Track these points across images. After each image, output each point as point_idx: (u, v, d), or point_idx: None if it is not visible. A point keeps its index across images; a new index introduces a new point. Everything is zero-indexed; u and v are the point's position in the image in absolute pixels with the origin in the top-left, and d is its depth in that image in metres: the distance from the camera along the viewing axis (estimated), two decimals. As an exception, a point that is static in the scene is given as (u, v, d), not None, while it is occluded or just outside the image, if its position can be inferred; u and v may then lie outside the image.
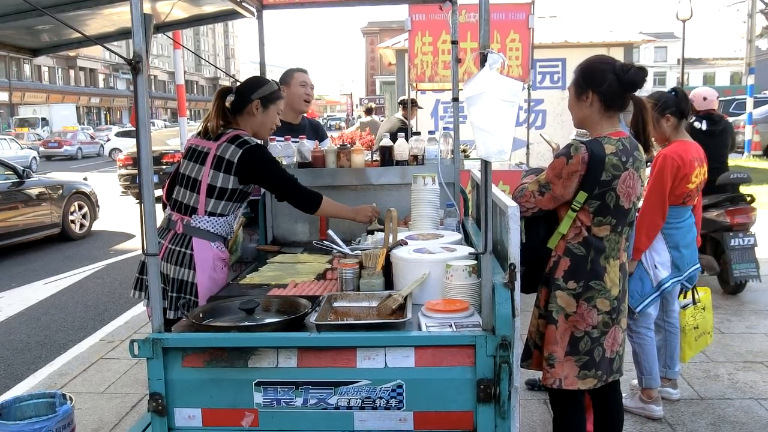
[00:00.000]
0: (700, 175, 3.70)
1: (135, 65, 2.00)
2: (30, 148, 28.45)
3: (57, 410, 3.05)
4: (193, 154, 3.11)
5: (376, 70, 63.61)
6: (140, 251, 2.23)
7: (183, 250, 3.02)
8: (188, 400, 2.16)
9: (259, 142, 3.12)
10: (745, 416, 3.85)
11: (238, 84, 3.27)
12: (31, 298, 7.25)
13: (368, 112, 13.27)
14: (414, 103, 9.25)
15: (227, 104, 3.17)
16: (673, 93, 3.77)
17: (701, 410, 3.93)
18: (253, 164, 3.01)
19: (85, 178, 12.05)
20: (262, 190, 3.86)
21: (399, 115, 9.20)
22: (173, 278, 3.03)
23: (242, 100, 3.16)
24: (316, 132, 4.55)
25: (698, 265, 3.87)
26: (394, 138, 3.88)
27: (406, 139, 3.91)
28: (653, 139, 3.77)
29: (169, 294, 3.04)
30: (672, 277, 3.74)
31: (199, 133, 3.18)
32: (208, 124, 3.13)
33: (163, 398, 2.14)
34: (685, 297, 4.03)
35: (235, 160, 2.98)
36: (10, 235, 9.43)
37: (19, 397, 3.25)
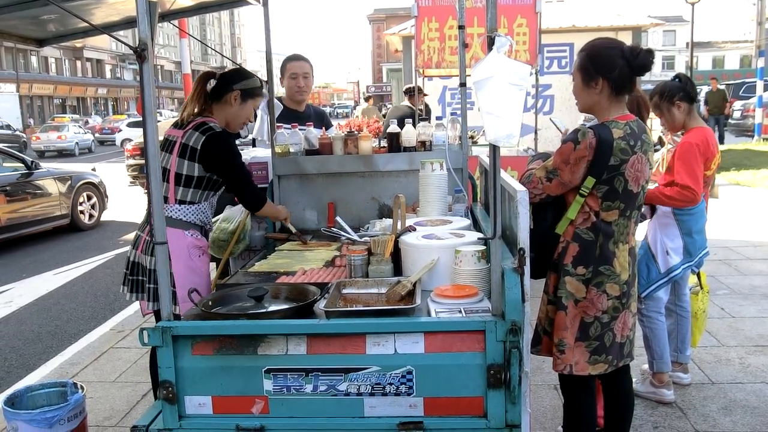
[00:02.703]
0: (716, 160, 3.68)
1: (140, 53, 1.99)
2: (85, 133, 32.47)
3: (69, 399, 3.07)
4: (165, 143, 3.13)
5: (382, 58, 63.42)
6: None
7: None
8: (198, 388, 2.17)
9: (223, 129, 3.11)
10: (756, 400, 3.84)
11: (223, 71, 3.29)
12: (41, 288, 7.29)
13: (367, 99, 14.03)
14: (420, 90, 9.22)
15: (208, 89, 3.18)
16: (677, 80, 3.72)
17: (712, 394, 3.92)
18: (214, 151, 3.02)
19: (94, 169, 12.08)
20: (270, 177, 3.87)
21: (406, 103, 9.20)
22: (150, 269, 3.06)
23: (223, 87, 3.17)
24: (321, 120, 4.56)
25: (707, 250, 3.85)
26: (402, 125, 3.86)
27: (414, 126, 3.90)
28: (666, 127, 3.77)
29: (147, 285, 3.08)
30: (684, 263, 3.73)
31: (174, 124, 3.20)
32: (184, 112, 3.16)
33: (173, 386, 2.15)
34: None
35: (199, 147, 3.00)
36: (20, 227, 9.49)
37: (31, 387, 3.27)
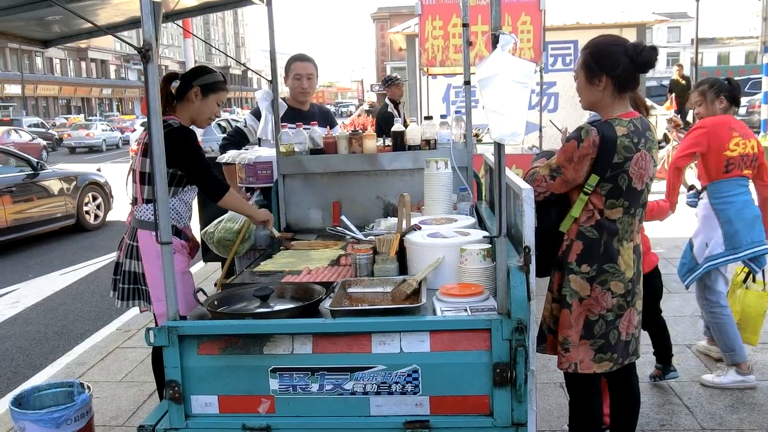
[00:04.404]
0: (741, 144, 3.75)
1: (145, 53, 1.99)
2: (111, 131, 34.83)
3: (75, 399, 3.08)
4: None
5: (386, 56, 63.38)
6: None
7: (132, 242, 3.13)
8: (204, 388, 2.17)
9: (181, 125, 3.14)
10: (764, 398, 3.83)
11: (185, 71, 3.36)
12: (47, 288, 7.31)
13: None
14: (396, 80, 9.23)
15: (172, 90, 3.23)
16: (727, 81, 3.89)
17: (719, 392, 3.91)
18: (172, 146, 3.01)
19: (99, 169, 12.11)
20: (274, 176, 3.87)
21: (386, 99, 9.25)
22: (126, 270, 3.16)
23: (184, 85, 3.22)
24: (326, 119, 4.56)
25: (765, 246, 3.87)
26: (387, 126, 3.87)
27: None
28: (701, 119, 3.91)
29: (120, 285, 3.18)
30: (726, 254, 3.80)
31: (143, 124, 3.26)
32: None
33: (179, 386, 2.15)
34: (753, 281, 4.07)
35: None
36: (26, 227, 9.51)
37: (37, 387, 3.29)
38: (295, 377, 2.12)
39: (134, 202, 3.18)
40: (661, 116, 13.10)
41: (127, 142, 33.96)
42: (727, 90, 3.83)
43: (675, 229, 4.80)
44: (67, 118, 40.81)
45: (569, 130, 3.10)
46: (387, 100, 9.44)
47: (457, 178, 3.47)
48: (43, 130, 32.66)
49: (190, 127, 3.25)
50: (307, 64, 4.46)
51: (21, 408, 3.07)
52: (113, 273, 3.27)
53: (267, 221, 3.43)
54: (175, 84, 3.24)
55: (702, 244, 3.88)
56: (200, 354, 2.17)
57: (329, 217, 3.83)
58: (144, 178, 3.10)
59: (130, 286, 3.20)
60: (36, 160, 10.14)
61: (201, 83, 3.21)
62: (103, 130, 33.57)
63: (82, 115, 44.68)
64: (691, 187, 4.14)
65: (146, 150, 3.06)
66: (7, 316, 6.40)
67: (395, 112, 8.91)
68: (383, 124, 8.02)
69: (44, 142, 28.10)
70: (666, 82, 17.30)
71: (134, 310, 6.20)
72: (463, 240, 2.57)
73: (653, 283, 3.69)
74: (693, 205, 4.03)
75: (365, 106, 14.87)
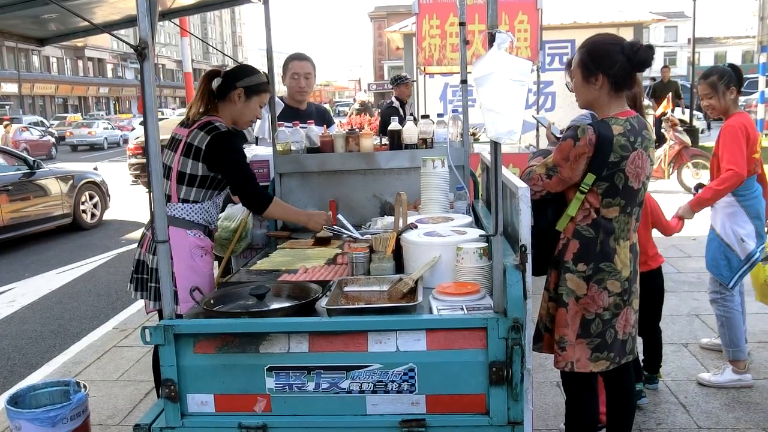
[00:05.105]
0: (760, 143, 3.81)
1: (141, 51, 1.99)
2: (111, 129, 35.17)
3: (71, 398, 3.07)
4: (171, 142, 3.11)
5: (384, 55, 63.41)
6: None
7: None
8: (201, 386, 2.17)
9: (229, 129, 3.07)
10: (760, 397, 3.84)
11: (227, 69, 3.24)
12: (44, 287, 7.30)
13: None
14: (406, 79, 9.20)
15: (213, 87, 3.14)
16: (732, 69, 3.87)
17: (715, 391, 3.91)
18: (218, 151, 2.98)
19: (96, 168, 12.09)
20: (271, 175, 3.87)
21: (393, 97, 9.21)
22: (152, 268, 3.04)
23: (227, 85, 3.12)
24: (323, 118, 4.56)
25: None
26: (387, 123, 3.86)
27: (401, 121, 3.89)
28: (712, 110, 3.90)
29: (149, 284, 3.07)
30: (759, 246, 3.84)
31: (181, 122, 3.17)
32: (190, 111, 3.13)
33: (175, 384, 2.15)
34: None
35: (203, 147, 2.96)
36: (23, 226, 9.50)
37: (34, 386, 3.28)
38: (291, 376, 2.12)
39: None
40: (651, 116, 13.06)
41: (127, 141, 34.23)
42: (736, 80, 3.81)
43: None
44: (65, 117, 40.68)
45: (553, 125, 3.11)
46: (393, 98, 9.42)
47: (454, 177, 3.47)
48: (43, 128, 32.68)
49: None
50: (304, 63, 4.45)
51: (17, 407, 3.07)
52: (135, 271, 3.16)
53: (325, 221, 3.27)
54: (216, 82, 3.13)
55: (738, 240, 3.85)
56: (196, 353, 2.16)
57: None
58: (183, 178, 3.00)
59: (144, 276, 3.11)
60: (33, 159, 10.12)
61: (245, 85, 3.11)
62: (104, 129, 34.08)
63: (79, 114, 44.57)
64: (699, 186, 4.13)
65: (189, 150, 2.98)
66: (3, 314, 6.39)
67: (401, 111, 8.89)
68: (388, 121, 8.02)
69: (53, 140, 28.94)
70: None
71: (130, 310, 6.22)
72: (460, 239, 2.57)
73: (656, 283, 3.70)
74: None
75: (356, 105, 15.00)
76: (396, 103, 9.13)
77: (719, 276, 3.94)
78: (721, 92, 3.80)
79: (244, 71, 3.19)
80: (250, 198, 3.13)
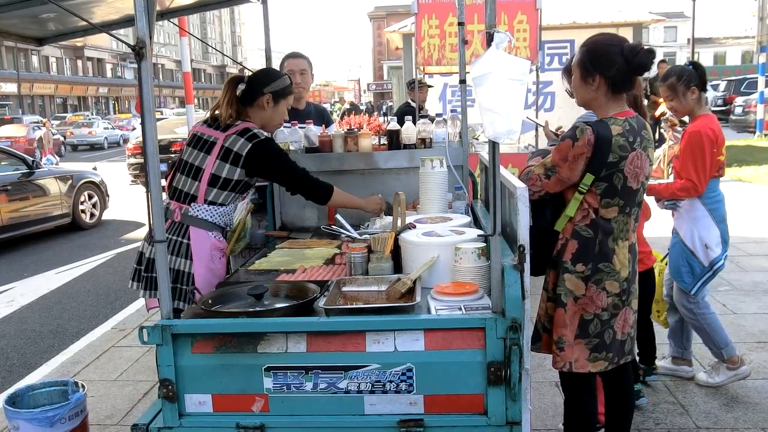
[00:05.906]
0: (724, 145, 3.73)
1: (139, 51, 1.99)
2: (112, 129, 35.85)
3: (70, 398, 3.07)
4: (198, 141, 3.05)
5: (383, 55, 63.42)
6: (148, 238, 2.22)
7: (180, 239, 2.96)
8: (198, 386, 2.17)
9: (268, 135, 3.06)
10: (758, 396, 3.83)
11: (250, 73, 3.20)
12: (43, 287, 7.30)
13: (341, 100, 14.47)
14: (421, 83, 9.19)
15: (237, 93, 3.09)
16: (691, 66, 3.77)
17: (714, 391, 3.91)
18: (263, 158, 2.97)
19: (95, 168, 12.09)
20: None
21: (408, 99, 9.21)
22: (169, 268, 2.99)
23: (254, 92, 3.09)
24: (322, 117, 4.56)
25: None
26: (401, 122, 3.85)
27: (414, 121, 3.88)
28: (675, 112, 3.84)
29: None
30: (724, 252, 3.75)
31: (205, 121, 3.14)
32: (218, 112, 3.08)
33: (173, 384, 2.15)
34: None
35: (244, 153, 2.93)
36: (22, 226, 9.49)
37: (32, 386, 3.27)
38: (289, 376, 2.11)
39: (185, 199, 3.00)
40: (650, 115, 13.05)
41: (127, 141, 34.32)
42: (696, 79, 3.69)
43: (658, 228, 4.75)
44: (64, 117, 40.73)
45: (550, 125, 3.10)
46: (409, 100, 9.45)
47: (453, 177, 3.47)
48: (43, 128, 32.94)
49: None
50: (299, 60, 4.45)
51: (15, 407, 3.06)
52: (144, 270, 3.09)
53: (379, 205, 3.33)
54: (241, 87, 3.09)
55: (702, 246, 3.73)
56: (194, 352, 2.16)
57: (324, 215, 3.83)
58: (216, 181, 2.95)
59: (152, 274, 3.04)
60: (32, 159, 10.12)
61: (272, 90, 3.09)
62: (105, 128, 34.54)
63: (79, 113, 44.63)
64: None
65: (227, 154, 2.94)
66: (2, 314, 6.38)
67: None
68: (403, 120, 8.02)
69: (62, 138, 29.31)
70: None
71: (128, 309, 6.21)
72: (458, 239, 2.57)
73: (648, 282, 3.69)
74: (673, 207, 3.85)
75: (346, 106, 14.94)
76: (413, 104, 9.17)
77: (681, 283, 3.80)
78: (681, 93, 3.69)
79: (269, 76, 3.17)
80: (312, 193, 3.14)
